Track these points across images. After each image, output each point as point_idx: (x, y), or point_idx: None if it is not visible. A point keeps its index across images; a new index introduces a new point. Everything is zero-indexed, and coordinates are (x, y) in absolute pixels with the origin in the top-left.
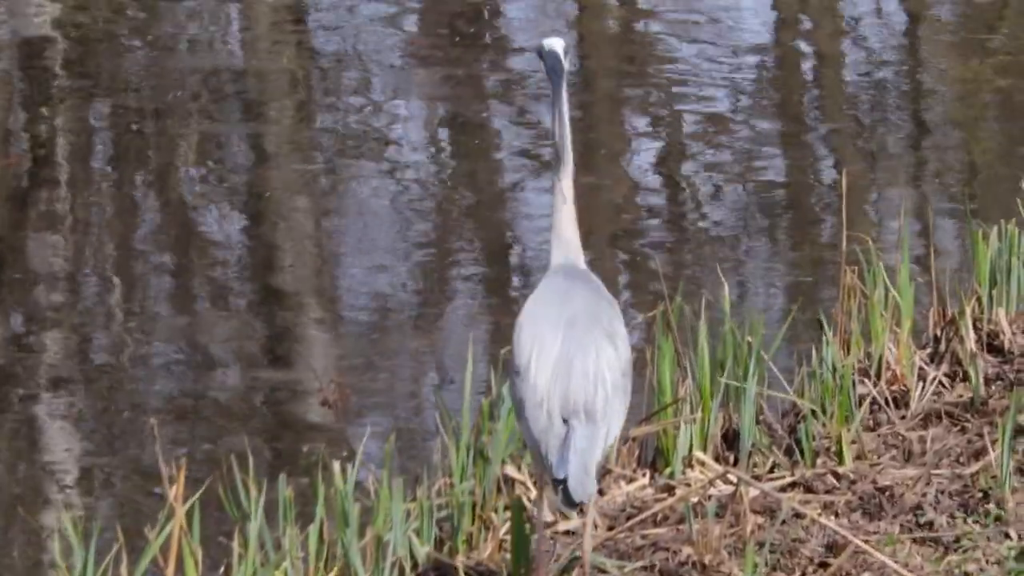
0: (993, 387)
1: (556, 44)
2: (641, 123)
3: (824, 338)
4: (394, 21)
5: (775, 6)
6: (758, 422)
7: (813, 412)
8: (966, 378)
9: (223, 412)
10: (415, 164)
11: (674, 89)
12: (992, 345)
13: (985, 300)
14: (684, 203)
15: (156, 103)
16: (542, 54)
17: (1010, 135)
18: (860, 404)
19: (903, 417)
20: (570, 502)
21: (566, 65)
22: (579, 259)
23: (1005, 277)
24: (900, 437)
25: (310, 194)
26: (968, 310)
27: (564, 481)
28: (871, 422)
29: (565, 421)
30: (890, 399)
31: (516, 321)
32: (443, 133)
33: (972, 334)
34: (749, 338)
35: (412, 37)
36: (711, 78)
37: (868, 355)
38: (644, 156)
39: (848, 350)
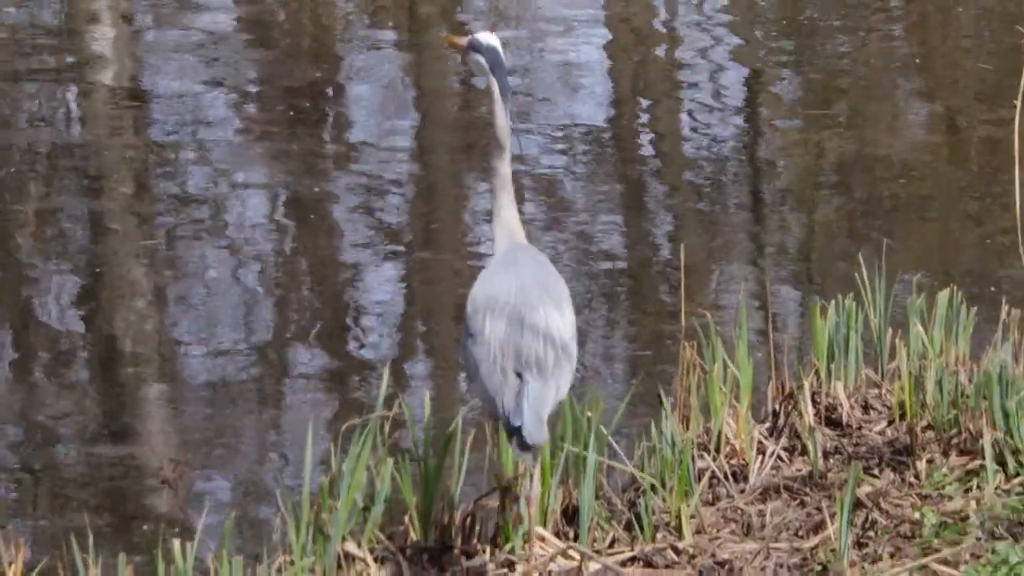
0: (831, 460)
1: (492, 38)
2: (479, 199)
3: (663, 412)
4: (232, 97)
5: (613, 75)
6: (598, 497)
7: (653, 487)
8: (805, 452)
9: (61, 489)
10: (254, 239)
11: (512, 166)
12: (830, 419)
13: (823, 374)
14: None
15: None
16: (480, 48)
17: (848, 210)
18: (699, 478)
19: (742, 491)
20: (525, 447)
21: (504, 58)
22: (521, 238)
23: (843, 351)
24: (739, 511)
25: (149, 269)
26: (807, 384)
27: (519, 429)
28: (710, 496)
29: (519, 376)
30: (729, 473)
31: (471, 292)
32: (281, 208)
33: (811, 408)
34: (589, 413)
35: (249, 113)
36: (549, 152)
37: (707, 430)
38: (483, 231)
39: (687, 425)
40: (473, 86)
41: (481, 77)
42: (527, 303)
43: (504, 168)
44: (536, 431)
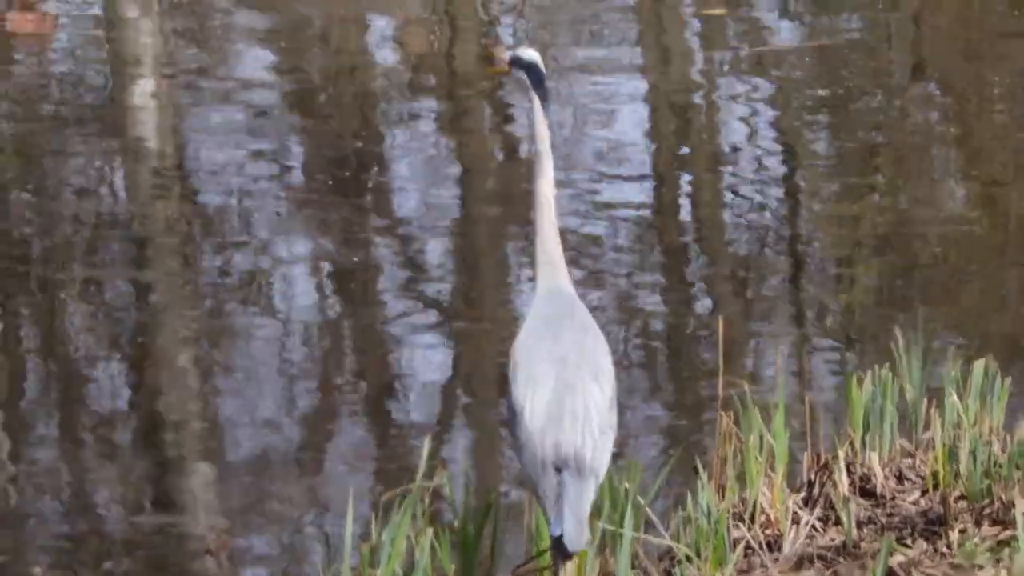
0: (865, 530)
1: (532, 53)
2: (522, 266)
3: (700, 482)
4: (274, 168)
5: (654, 142)
6: (634, 567)
7: (688, 557)
8: (839, 522)
9: (106, 559)
10: (298, 308)
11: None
12: (865, 489)
13: (858, 444)
14: None
15: (40, 249)
16: (522, 64)
17: (885, 280)
18: (734, 548)
19: (776, 560)
20: (565, 554)
21: (543, 70)
22: (563, 277)
23: (878, 421)
24: None
25: (194, 339)
26: (841, 454)
27: (560, 538)
28: (745, 565)
29: (558, 470)
30: (764, 543)
31: (511, 356)
32: (325, 277)
33: (845, 478)
34: (626, 484)
35: (291, 184)
36: (591, 220)
37: (743, 499)
38: (525, 298)
39: (723, 494)
40: (515, 156)
41: (523, 93)
42: (566, 382)
43: (547, 188)
44: (577, 538)
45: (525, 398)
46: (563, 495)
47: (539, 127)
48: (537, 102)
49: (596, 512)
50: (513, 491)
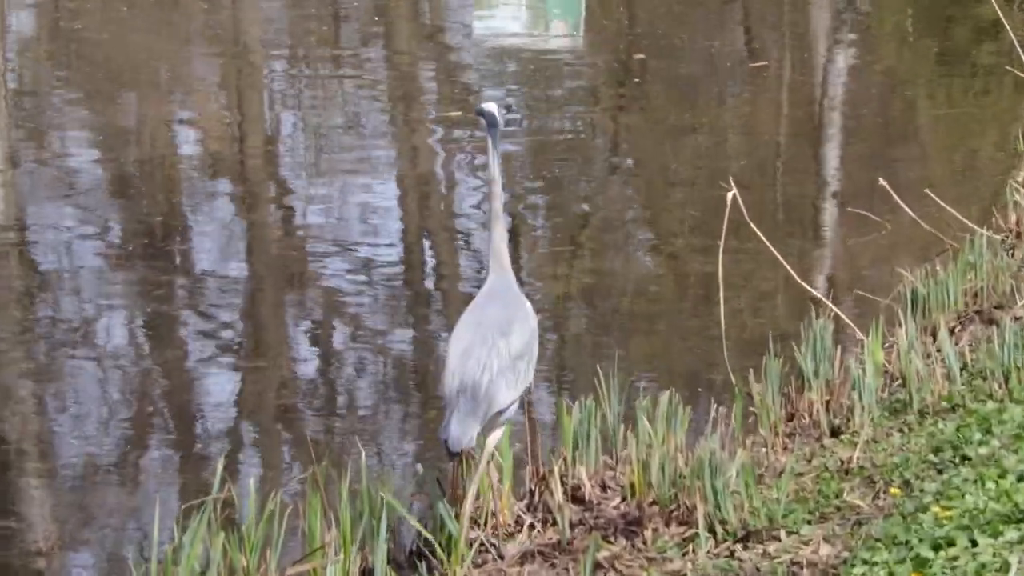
0: (577, 530)
1: (492, 106)
2: (300, 314)
3: (443, 493)
4: (95, 232)
5: (403, 215)
6: (390, 562)
7: (433, 552)
8: (555, 523)
9: None
10: (114, 348)
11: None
12: (576, 496)
13: (570, 460)
14: (337, 384)
15: None
16: (482, 113)
17: (591, 325)
18: (471, 546)
19: (501, 557)
20: (449, 453)
21: (500, 122)
22: (507, 270)
23: (585, 442)
24: (503, 573)
25: (30, 374)
26: (556, 468)
27: (445, 441)
28: (480, 560)
29: (459, 396)
30: (495, 542)
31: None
32: (136, 323)
33: (560, 488)
34: (383, 493)
35: (112, 251)
36: (353, 281)
37: (478, 507)
38: (298, 342)
39: (462, 503)
40: (291, 224)
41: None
42: (480, 337)
43: (497, 205)
44: (457, 443)
45: (449, 349)
46: (456, 410)
47: (492, 164)
48: (496, 143)
49: (359, 517)
50: (293, 500)
